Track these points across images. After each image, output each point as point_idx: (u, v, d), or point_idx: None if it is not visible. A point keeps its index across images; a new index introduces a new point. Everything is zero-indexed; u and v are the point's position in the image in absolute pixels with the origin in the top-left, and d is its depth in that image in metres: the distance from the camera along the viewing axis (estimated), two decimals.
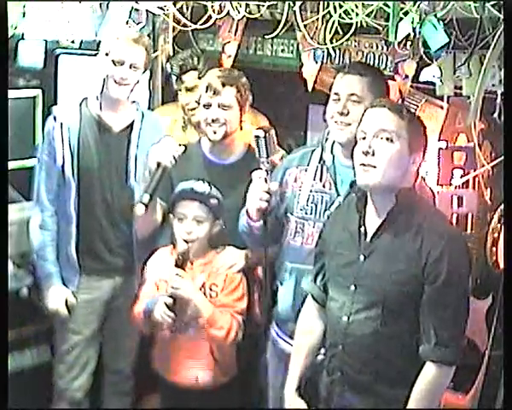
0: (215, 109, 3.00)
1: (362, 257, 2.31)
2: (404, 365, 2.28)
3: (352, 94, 2.61)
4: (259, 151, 2.63)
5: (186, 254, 2.84)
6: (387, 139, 2.22)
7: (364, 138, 2.26)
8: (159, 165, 2.88)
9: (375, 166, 2.22)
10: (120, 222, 3.22)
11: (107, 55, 3.10)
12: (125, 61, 3.07)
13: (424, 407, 2.23)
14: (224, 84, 2.99)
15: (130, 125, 3.21)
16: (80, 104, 3.22)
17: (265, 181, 2.63)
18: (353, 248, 2.34)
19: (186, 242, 2.89)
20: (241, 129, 3.15)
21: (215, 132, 3.02)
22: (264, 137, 2.62)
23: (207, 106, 3.02)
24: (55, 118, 3.18)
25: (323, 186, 2.71)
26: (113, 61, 3.07)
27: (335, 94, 2.66)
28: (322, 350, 2.53)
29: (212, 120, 3.00)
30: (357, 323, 2.29)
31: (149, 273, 3.05)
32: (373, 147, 2.22)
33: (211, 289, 2.92)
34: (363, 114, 2.33)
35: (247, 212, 2.73)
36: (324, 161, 2.73)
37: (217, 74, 3.05)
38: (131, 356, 3.43)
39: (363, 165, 2.23)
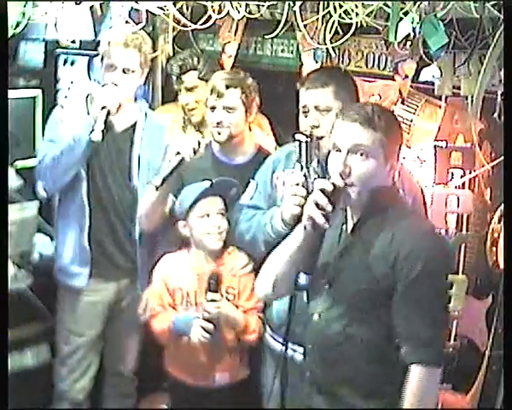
0: (219, 112, 3.00)
1: (338, 254, 2.26)
2: (372, 373, 2.19)
3: (318, 106, 2.63)
4: (300, 155, 2.59)
5: (219, 277, 2.85)
6: (362, 155, 2.15)
7: (339, 151, 2.18)
8: (178, 154, 2.89)
9: (351, 185, 2.16)
10: (124, 222, 3.22)
11: (102, 59, 3.10)
12: (117, 66, 3.06)
13: None
14: (227, 87, 2.99)
15: (133, 126, 3.21)
16: (86, 99, 3.22)
17: (303, 187, 2.57)
18: (333, 245, 2.28)
19: (211, 277, 2.87)
20: (250, 130, 3.15)
21: (219, 134, 3.02)
22: (306, 142, 2.58)
23: (212, 108, 3.02)
24: (62, 107, 3.18)
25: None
26: (106, 66, 3.08)
27: (303, 107, 2.68)
28: (301, 349, 2.50)
29: (217, 123, 3.00)
30: (327, 322, 2.25)
31: (160, 280, 3.02)
32: (349, 165, 2.15)
33: (227, 292, 2.92)
34: (333, 125, 2.25)
35: (282, 218, 2.65)
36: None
37: (221, 77, 3.05)
38: (134, 358, 3.42)
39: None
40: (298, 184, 2.58)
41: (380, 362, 2.19)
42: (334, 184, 2.13)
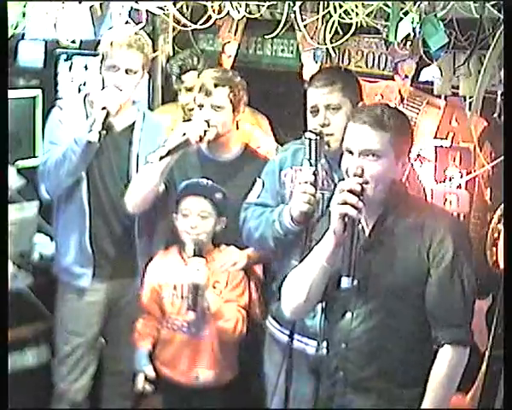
0: (207, 110, 3.00)
1: (361, 252, 2.29)
2: (409, 358, 2.26)
3: (329, 104, 2.66)
4: (310, 153, 2.60)
5: (200, 243, 2.87)
6: (373, 155, 2.22)
7: (351, 153, 2.24)
8: (184, 134, 2.91)
9: (366, 183, 2.22)
10: (123, 221, 3.21)
11: (103, 59, 3.09)
12: (120, 67, 3.06)
13: (442, 394, 2.22)
14: (216, 85, 3.00)
15: (132, 126, 3.21)
16: (84, 100, 3.22)
17: (311, 184, 2.58)
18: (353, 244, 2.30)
19: (195, 240, 2.90)
20: (238, 128, 3.15)
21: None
22: (316, 139, 2.59)
23: (201, 107, 3.03)
24: (60, 108, 3.17)
25: (322, 184, 2.71)
26: (107, 67, 3.07)
27: (312, 107, 2.70)
28: (314, 343, 2.54)
29: (205, 121, 3.00)
30: (362, 317, 2.29)
31: (150, 277, 3.06)
32: (361, 165, 2.22)
33: (214, 287, 2.93)
34: (345, 128, 2.32)
35: (290, 215, 2.66)
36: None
37: (210, 75, 3.06)
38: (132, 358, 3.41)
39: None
40: (307, 182, 2.59)
41: (416, 350, 2.26)
42: (359, 184, 2.19)
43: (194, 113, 3.10)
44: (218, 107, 3.00)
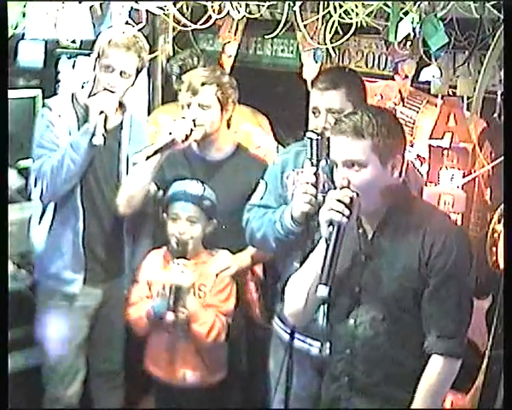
0: (194, 109, 2.99)
1: (363, 258, 2.29)
2: (412, 364, 2.25)
3: (331, 108, 2.66)
4: (311, 153, 2.59)
5: (185, 244, 2.87)
6: (357, 165, 2.16)
7: (336, 166, 2.21)
8: (170, 134, 2.91)
9: (357, 195, 2.17)
10: (114, 223, 3.18)
11: (98, 58, 3.05)
12: (115, 68, 3.02)
13: (430, 403, 2.21)
14: (203, 84, 2.98)
15: (120, 126, 3.16)
16: (72, 100, 3.16)
17: (312, 185, 2.58)
18: (355, 251, 2.30)
19: (179, 241, 2.90)
20: (229, 127, 3.14)
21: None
22: (317, 139, 2.58)
23: (188, 106, 3.01)
24: (50, 108, 3.13)
25: (323, 187, 2.70)
26: (102, 66, 3.03)
27: (314, 108, 2.70)
28: (318, 344, 2.55)
29: (192, 121, 2.98)
30: (365, 324, 2.28)
31: (142, 275, 3.06)
32: (346, 177, 2.17)
33: (199, 290, 2.94)
34: (328, 141, 2.28)
35: (291, 216, 2.66)
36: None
37: (197, 74, 3.05)
38: (119, 357, 3.35)
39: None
40: (308, 183, 2.58)
41: (421, 356, 2.23)
42: (349, 196, 2.15)
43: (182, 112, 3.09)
44: (205, 106, 2.99)
